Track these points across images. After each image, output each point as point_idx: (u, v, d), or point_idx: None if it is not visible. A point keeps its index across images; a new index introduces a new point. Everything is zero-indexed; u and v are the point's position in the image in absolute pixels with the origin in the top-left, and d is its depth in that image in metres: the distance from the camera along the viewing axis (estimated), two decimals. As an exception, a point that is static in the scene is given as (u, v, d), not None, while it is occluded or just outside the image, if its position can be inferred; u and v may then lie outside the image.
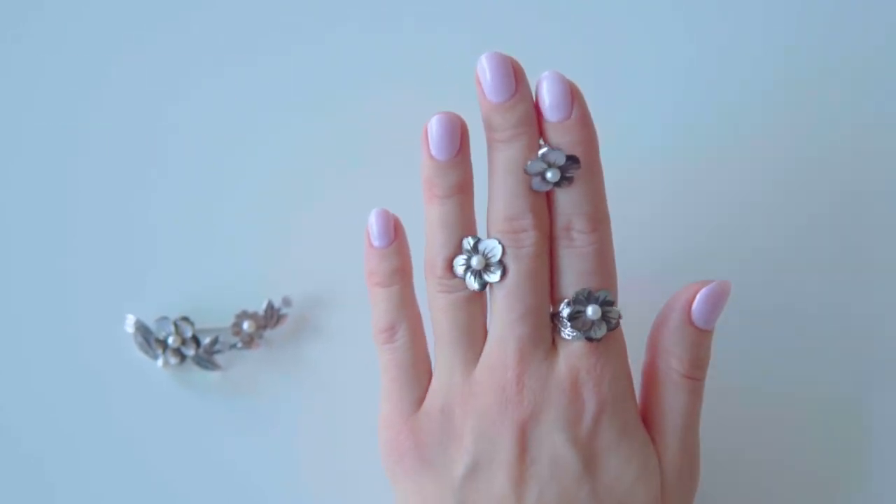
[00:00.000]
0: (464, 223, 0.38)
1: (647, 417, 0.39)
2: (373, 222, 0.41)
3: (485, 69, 0.37)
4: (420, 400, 0.39)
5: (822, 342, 0.46)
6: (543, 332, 0.38)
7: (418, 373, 0.40)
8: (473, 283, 0.38)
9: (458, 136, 0.38)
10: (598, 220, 0.38)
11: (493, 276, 0.37)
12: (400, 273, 0.40)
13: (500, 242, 0.37)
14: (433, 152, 0.38)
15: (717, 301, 0.39)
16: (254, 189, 0.47)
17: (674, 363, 0.39)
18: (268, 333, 0.46)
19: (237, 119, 0.48)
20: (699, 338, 0.39)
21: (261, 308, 0.46)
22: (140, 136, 0.47)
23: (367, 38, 0.48)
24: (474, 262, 0.38)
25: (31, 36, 0.48)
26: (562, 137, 0.37)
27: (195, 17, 0.48)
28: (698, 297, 0.38)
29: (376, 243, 0.41)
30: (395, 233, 0.41)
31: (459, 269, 0.38)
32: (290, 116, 0.47)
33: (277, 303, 0.46)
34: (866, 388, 0.46)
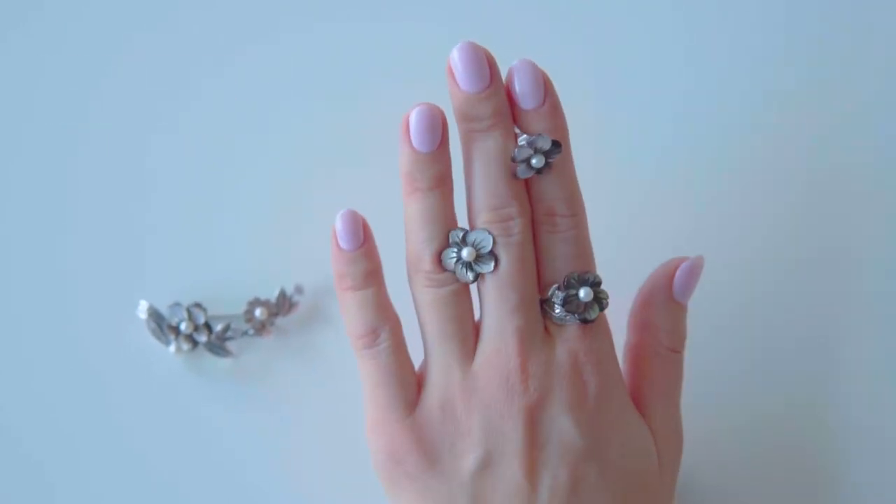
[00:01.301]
0: (448, 216, 0.38)
1: (636, 392, 0.40)
2: (340, 225, 0.39)
3: (457, 60, 0.37)
4: (412, 402, 0.38)
5: (810, 336, 0.46)
6: (537, 318, 0.38)
7: (405, 375, 0.38)
8: (467, 276, 0.37)
9: (440, 128, 0.37)
10: (577, 205, 0.38)
11: (487, 267, 0.37)
12: (373, 275, 0.39)
13: (489, 232, 0.37)
14: (415, 144, 0.37)
15: (695, 275, 0.40)
16: (269, 177, 0.47)
17: (663, 339, 0.40)
18: (280, 321, 0.46)
19: (253, 107, 0.48)
20: (682, 313, 0.41)
21: (273, 296, 0.46)
22: (154, 124, 0.48)
23: (374, 26, 0.48)
24: (465, 253, 0.37)
25: (36, 20, 0.48)
26: (538, 125, 0.38)
27: (208, 4, 0.48)
28: (678, 272, 0.40)
29: (345, 246, 0.39)
30: (364, 234, 0.39)
31: (450, 263, 0.37)
32: (306, 104, 0.48)
33: (290, 290, 0.46)
34: (851, 385, 0.46)
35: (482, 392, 0.37)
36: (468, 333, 0.38)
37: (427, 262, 0.38)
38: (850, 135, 0.48)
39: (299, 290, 0.46)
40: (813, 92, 0.48)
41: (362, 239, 0.39)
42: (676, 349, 0.40)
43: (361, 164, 0.47)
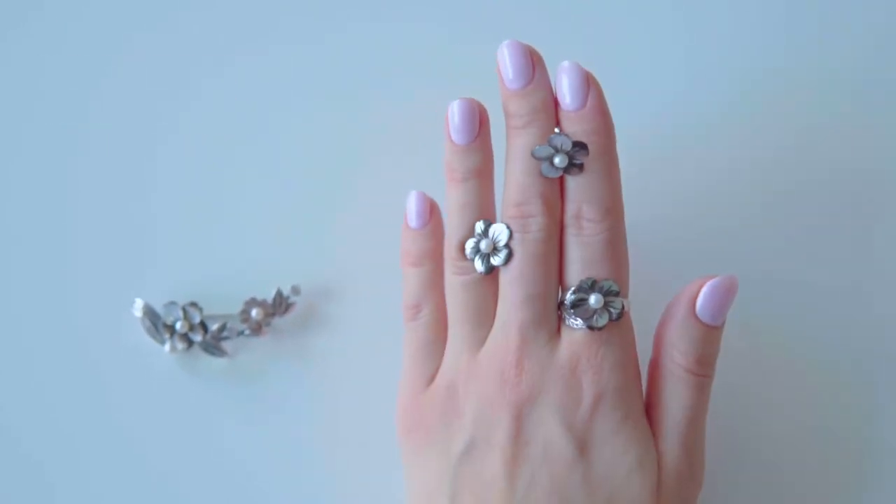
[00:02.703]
0: (481, 207, 0.39)
1: (650, 412, 0.39)
2: (411, 203, 0.42)
3: (504, 57, 0.38)
4: (433, 377, 0.40)
5: (831, 340, 0.46)
6: (548, 317, 0.38)
7: (434, 351, 0.40)
8: (480, 266, 0.38)
9: (477, 122, 0.39)
10: (609, 210, 0.38)
11: (498, 260, 0.38)
12: (431, 254, 0.41)
13: (507, 227, 0.38)
14: (453, 136, 0.39)
15: (723, 296, 0.38)
16: (268, 178, 0.47)
17: (676, 357, 0.38)
18: (276, 321, 0.46)
19: (251, 106, 0.48)
20: (704, 333, 0.38)
21: (270, 296, 0.46)
22: (153, 122, 0.47)
23: (380, 28, 0.48)
24: (483, 245, 0.38)
25: (45, 10, 0.48)
26: (577, 126, 0.38)
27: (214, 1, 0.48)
28: (703, 291, 0.38)
29: (412, 224, 0.42)
30: (429, 215, 0.42)
31: (469, 252, 0.39)
32: (304, 105, 0.48)
33: (286, 291, 0.46)
34: (872, 389, 0.46)
35: (480, 379, 0.38)
36: (485, 321, 0.39)
37: (453, 250, 0.39)
38: (858, 126, 0.48)
39: (296, 290, 0.46)
40: (821, 95, 0.48)
41: (427, 219, 0.42)
42: (697, 372, 0.38)
43: (360, 165, 0.47)
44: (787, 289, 0.46)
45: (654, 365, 0.39)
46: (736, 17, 0.48)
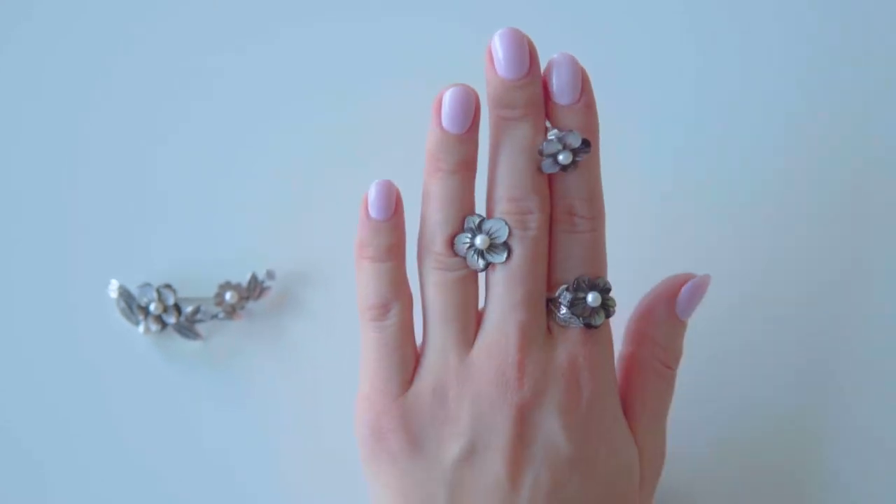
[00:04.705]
0: (466, 201, 0.37)
1: (626, 405, 0.39)
2: (373, 193, 0.38)
3: (499, 45, 0.37)
4: (407, 382, 0.38)
5: (806, 338, 0.46)
6: (542, 316, 0.37)
7: (406, 354, 0.38)
8: (477, 263, 0.37)
9: (472, 111, 0.37)
10: (598, 208, 0.38)
11: (499, 258, 0.37)
12: (395, 249, 0.38)
13: (506, 223, 0.37)
14: (445, 124, 0.37)
15: (699, 294, 0.39)
16: (245, 162, 0.47)
17: (659, 353, 0.39)
18: (250, 305, 0.46)
19: (231, 96, 0.48)
20: (680, 329, 0.40)
21: (244, 280, 0.46)
22: (132, 109, 0.47)
23: (361, 20, 0.48)
24: (478, 241, 0.37)
25: (40, 11, 0.48)
26: (570, 121, 0.37)
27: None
28: (684, 289, 0.39)
29: (375, 215, 0.38)
30: (395, 206, 0.38)
31: (462, 248, 0.37)
32: (284, 93, 0.48)
33: (261, 275, 0.46)
34: (844, 388, 0.46)
35: (476, 381, 0.37)
36: (470, 321, 0.37)
37: (439, 245, 0.37)
38: (856, 130, 0.48)
39: (271, 275, 0.46)
40: (825, 99, 0.48)
41: (393, 210, 0.38)
42: (670, 366, 0.39)
43: (338, 151, 0.47)
44: (767, 288, 0.47)
45: (631, 360, 0.39)
46: (727, 14, 0.49)
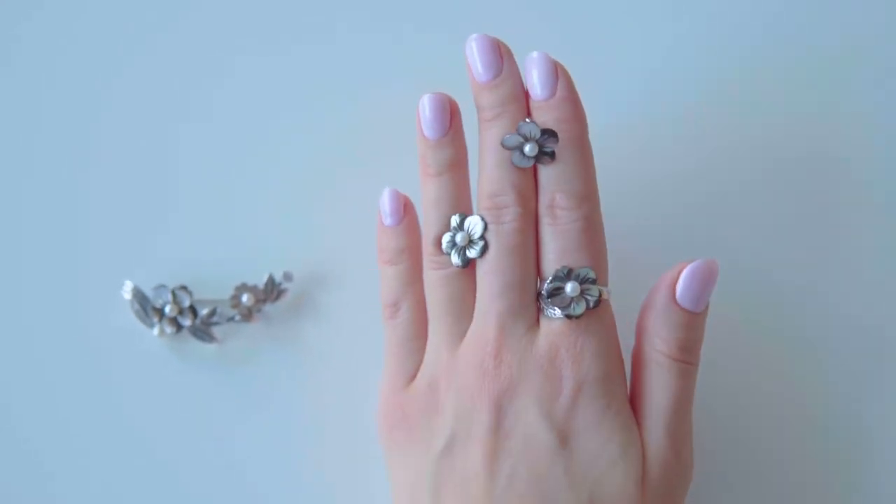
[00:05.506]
0: (456, 200, 0.39)
1: (634, 402, 0.38)
2: (384, 201, 0.41)
3: (472, 50, 0.39)
4: (414, 375, 0.40)
5: (817, 329, 0.45)
6: (526, 307, 0.38)
7: (414, 348, 0.40)
8: (457, 259, 0.38)
9: (448, 115, 0.39)
10: (583, 198, 0.38)
11: (474, 252, 0.38)
12: (408, 251, 0.41)
13: (482, 219, 0.38)
14: (425, 131, 0.39)
15: (702, 280, 0.38)
16: (262, 164, 0.47)
17: (658, 344, 0.38)
18: (267, 308, 0.45)
19: (248, 97, 0.47)
20: (685, 319, 0.38)
21: (261, 282, 0.45)
22: (147, 110, 0.47)
23: (371, 29, 0.48)
24: (458, 238, 0.38)
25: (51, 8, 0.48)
26: (547, 115, 0.38)
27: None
28: (682, 275, 0.38)
29: (386, 222, 0.41)
30: (403, 212, 0.41)
31: (446, 246, 0.39)
32: (300, 96, 0.47)
33: (278, 277, 0.45)
34: (864, 385, 0.45)
35: (460, 373, 0.38)
36: (464, 315, 0.39)
37: (430, 245, 0.39)
38: (849, 113, 0.47)
39: (288, 277, 0.45)
40: (805, 74, 0.47)
41: (402, 216, 0.41)
42: (680, 358, 0.38)
43: (355, 154, 0.47)
44: (778, 277, 0.46)
45: (637, 353, 0.39)
46: (712, 7, 0.48)
